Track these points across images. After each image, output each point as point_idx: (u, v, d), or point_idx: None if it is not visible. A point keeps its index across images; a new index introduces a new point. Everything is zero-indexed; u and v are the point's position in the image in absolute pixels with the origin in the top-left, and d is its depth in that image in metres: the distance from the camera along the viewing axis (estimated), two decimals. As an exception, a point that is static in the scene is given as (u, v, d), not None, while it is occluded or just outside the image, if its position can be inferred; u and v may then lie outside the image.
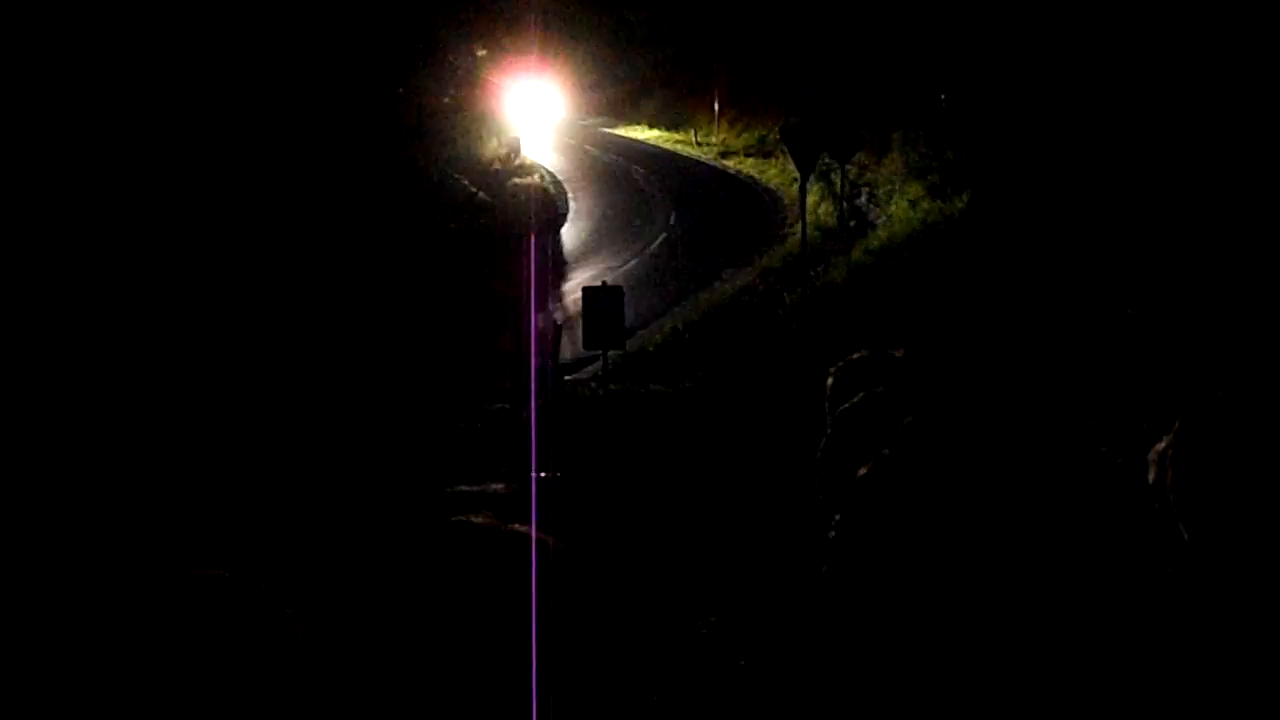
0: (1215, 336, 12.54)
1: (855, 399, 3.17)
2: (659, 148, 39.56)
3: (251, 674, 1.63)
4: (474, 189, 31.82)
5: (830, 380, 3.56)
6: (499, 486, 14.43)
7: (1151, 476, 2.37)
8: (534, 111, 40.53)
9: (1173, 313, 13.63)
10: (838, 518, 2.76)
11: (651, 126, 41.94)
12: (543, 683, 1.86)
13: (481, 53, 35.05)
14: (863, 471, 2.54)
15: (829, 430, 3.14)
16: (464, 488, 14.44)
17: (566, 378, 18.48)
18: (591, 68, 45.00)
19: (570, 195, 34.59)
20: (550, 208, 32.57)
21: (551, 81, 42.28)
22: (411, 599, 1.90)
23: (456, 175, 31.60)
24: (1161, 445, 2.36)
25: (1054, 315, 15.63)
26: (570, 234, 31.11)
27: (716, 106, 39.28)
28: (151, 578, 1.65)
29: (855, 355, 3.63)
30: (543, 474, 12.54)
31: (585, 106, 44.70)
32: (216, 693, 1.60)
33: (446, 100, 32.63)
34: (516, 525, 1.98)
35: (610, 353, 16.85)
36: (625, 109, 44.47)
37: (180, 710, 1.58)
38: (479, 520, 1.99)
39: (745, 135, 36.59)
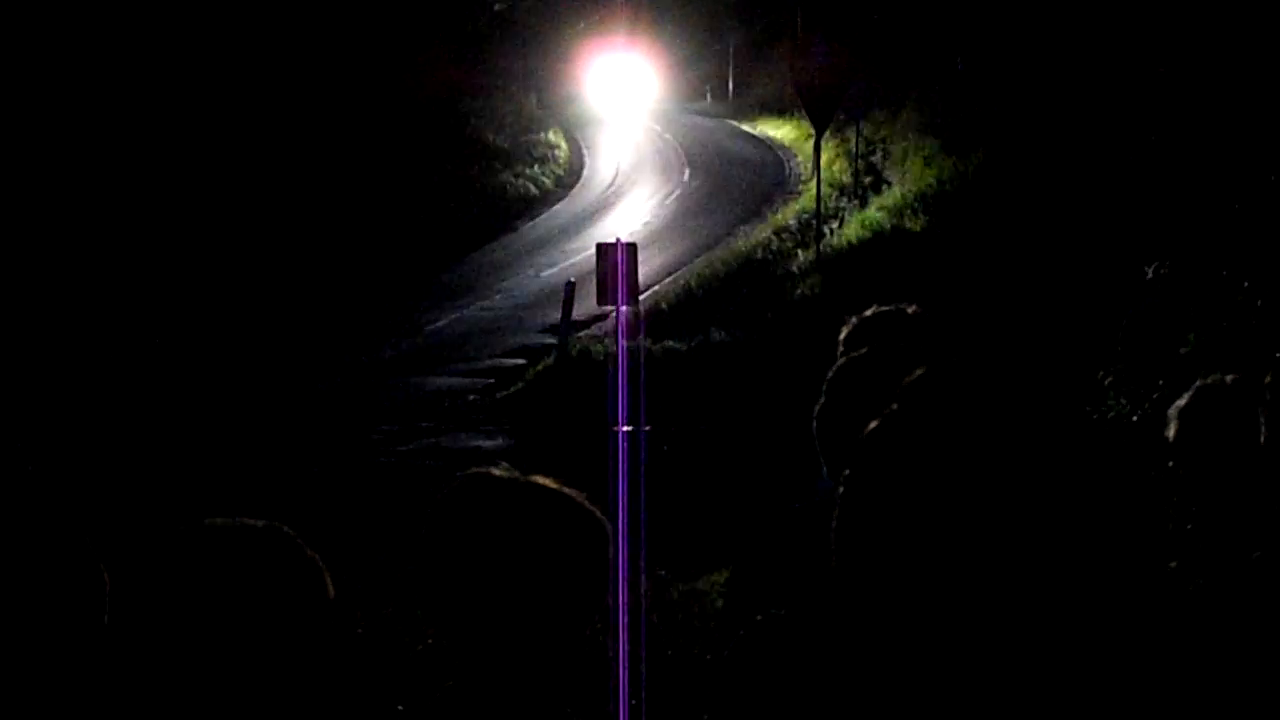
0: (1238, 295, 12.48)
1: (861, 352, 3.13)
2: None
3: (282, 620, 1.63)
4: (491, 135, 32.08)
5: (843, 336, 3.53)
6: (500, 442, 14.45)
7: (1171, 432, 2.35)
8: (616, 86, 39.82)
9: (1192, 273, 13.56)
10: (846, 473, 2.76)
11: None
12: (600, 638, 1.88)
13: (499, 6, 34.98)
14: (872, 426, 2.54)
15: (833, 385, 3.08)
16: (476, 443, 14.48)
17: (579, 334, 18.48)
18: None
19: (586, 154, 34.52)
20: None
21: (644, 57, 41.23)
22: (436, 549, 1.91)
23: (477, 121, 31.86)
24: (1183, 402, 2.35)
25: (1069, 272, 15.57)
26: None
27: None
28: (184, 528, 1.65)
29: (869, 312, 3.58)
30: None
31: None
32: (250, 638, 1.60)
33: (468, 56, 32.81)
34: (537, 478, 1.98)
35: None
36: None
37: (215, 654, 1.58)
38: (499, 472, 2.00)
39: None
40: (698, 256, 24.05)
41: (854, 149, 26.28)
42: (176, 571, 1.61)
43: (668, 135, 36.55)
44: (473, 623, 1.89)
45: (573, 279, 19.29)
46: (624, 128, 37.40)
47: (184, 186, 23.87)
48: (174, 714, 1.58)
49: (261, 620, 1.61)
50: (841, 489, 2.78)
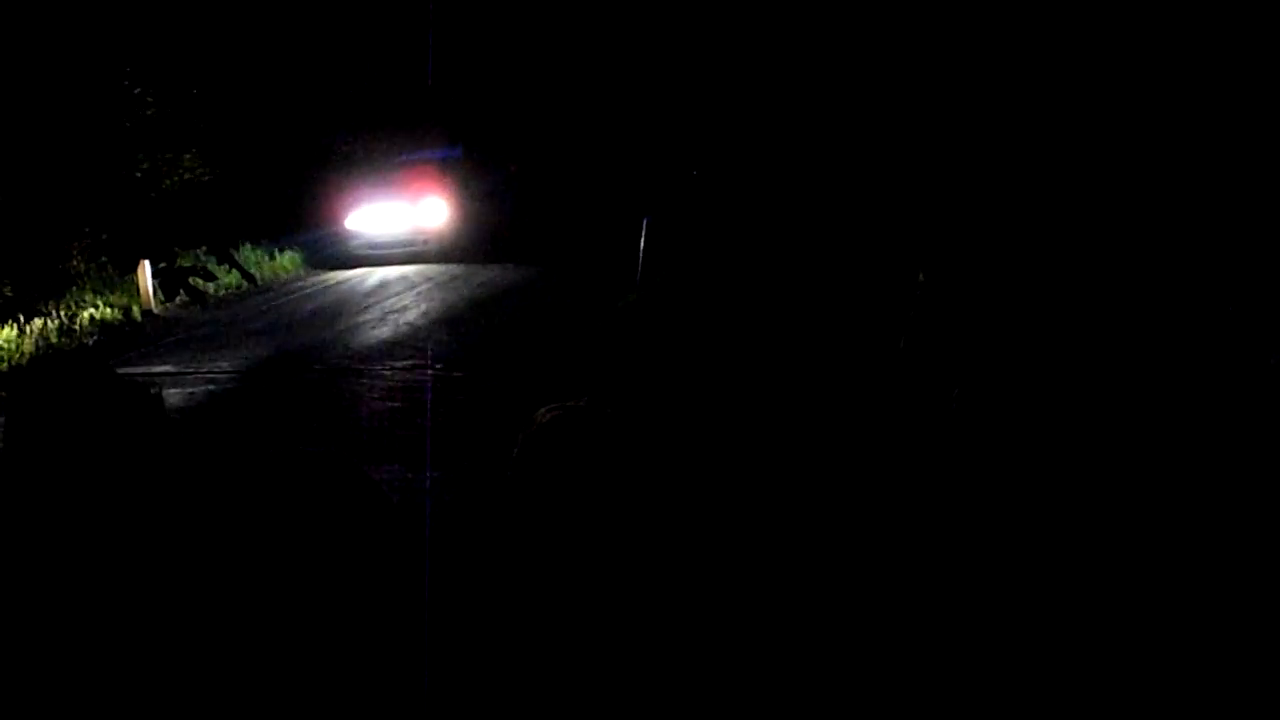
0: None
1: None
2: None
3: (357, 526, 1.76)
4: None
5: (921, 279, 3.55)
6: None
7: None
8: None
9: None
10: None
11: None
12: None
13: None
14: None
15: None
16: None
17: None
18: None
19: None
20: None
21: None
22: (529, 473, 2.02)
23: None
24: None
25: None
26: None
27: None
28: (276, 455, 1.78)
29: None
30: None
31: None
32: (333, 544, 1.73)
33: None
34: (612, 409, 2.08)
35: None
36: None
37: (304, 557, 1.71)
38: (579, 405, 2.10)
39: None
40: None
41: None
42: (274, 489, 1.73)
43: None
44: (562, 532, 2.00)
45: (648, 217, 19.19)
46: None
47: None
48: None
49: (342, 527, 1.74)
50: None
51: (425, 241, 24.28)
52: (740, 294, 16.07)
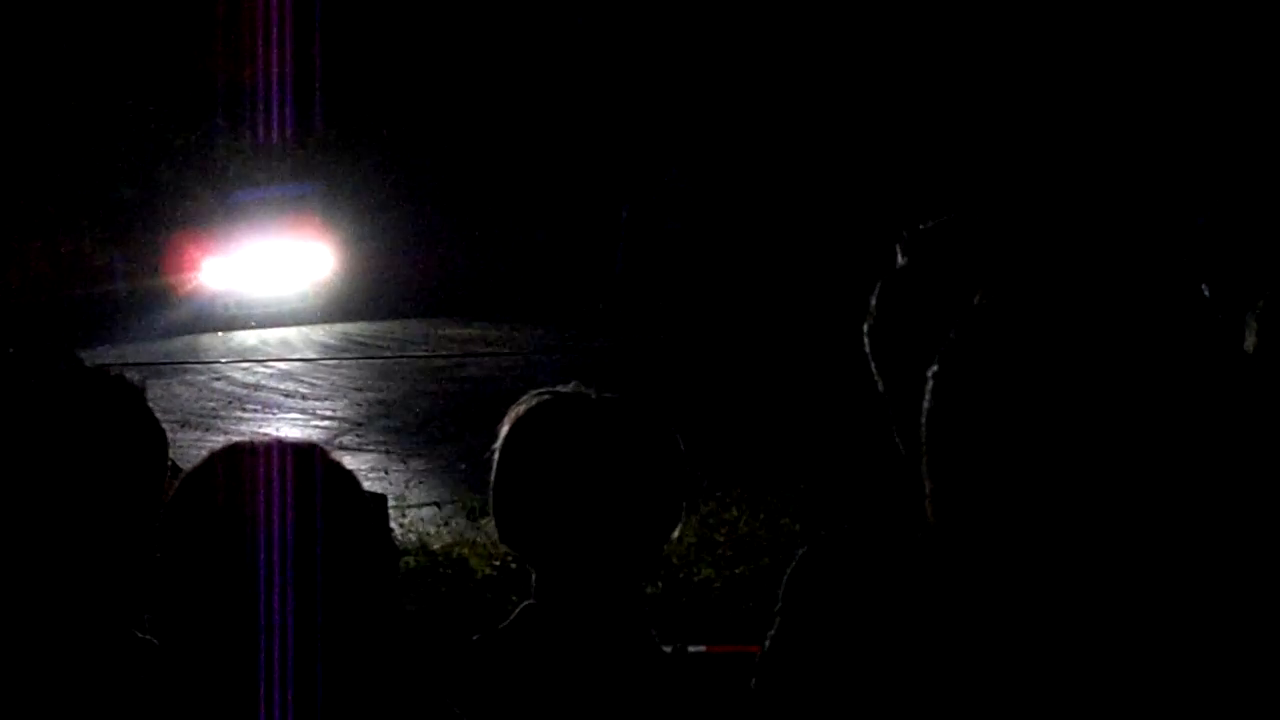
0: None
1: (909, 265, 3.12)
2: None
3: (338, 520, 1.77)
4: None
5: (901, 247, 3.52)
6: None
7: (1250, 342, 2.25)
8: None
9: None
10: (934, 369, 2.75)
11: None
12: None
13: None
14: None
15: (885, 299, 3.08)
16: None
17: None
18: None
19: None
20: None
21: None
22: (511, 464, 1.99)
23: None
24: (1261, 306, 2.24)
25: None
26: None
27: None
28: (244, 445, 1.79)
29: (929, 223, 3.56)
30: None
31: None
32: (317, 540, 1.74)
33: None
34: (606, 394, 2.06)
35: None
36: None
37: (288, 553, 1.71)
38: (567, 390, 2.08)
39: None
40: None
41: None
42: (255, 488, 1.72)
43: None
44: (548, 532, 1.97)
45: (627, 205, 19.18)
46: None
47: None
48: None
49: (326, 523, 1.76)
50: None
51: (314, 294, 19.84)
52: (722, 283, 16.07)
